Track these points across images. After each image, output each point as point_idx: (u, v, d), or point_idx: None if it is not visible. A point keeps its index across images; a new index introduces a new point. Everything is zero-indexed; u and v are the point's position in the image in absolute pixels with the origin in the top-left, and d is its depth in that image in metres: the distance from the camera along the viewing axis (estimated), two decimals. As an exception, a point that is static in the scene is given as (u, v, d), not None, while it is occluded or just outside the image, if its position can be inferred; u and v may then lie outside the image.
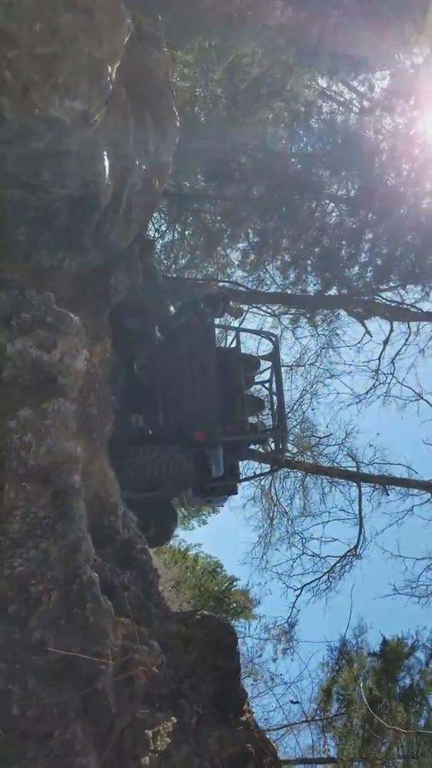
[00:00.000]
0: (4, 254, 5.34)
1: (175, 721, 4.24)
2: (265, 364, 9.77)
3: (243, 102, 12.75)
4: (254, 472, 13.73)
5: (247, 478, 11.79)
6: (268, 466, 12.83)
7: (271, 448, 10.36)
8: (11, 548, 4.59)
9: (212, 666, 5.45)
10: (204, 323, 8.03)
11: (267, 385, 9.77)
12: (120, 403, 6.79)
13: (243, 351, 9.19)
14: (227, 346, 9.86)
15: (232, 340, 9.31)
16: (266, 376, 9.77)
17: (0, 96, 4.17)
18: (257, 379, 10.05)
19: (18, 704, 4.00)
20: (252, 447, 10.21)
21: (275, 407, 9.26)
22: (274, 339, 9.75)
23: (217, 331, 9.00)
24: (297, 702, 10.15)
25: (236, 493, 10.32)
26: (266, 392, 10.01)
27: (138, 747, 4.01)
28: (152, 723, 4.18)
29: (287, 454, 15.51)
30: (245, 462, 12.82)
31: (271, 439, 9.87)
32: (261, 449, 10.93)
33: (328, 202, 15.20)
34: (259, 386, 10.48)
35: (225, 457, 8.15)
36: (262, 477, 14.22)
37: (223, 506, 12.19)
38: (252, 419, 10.12)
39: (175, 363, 7.61)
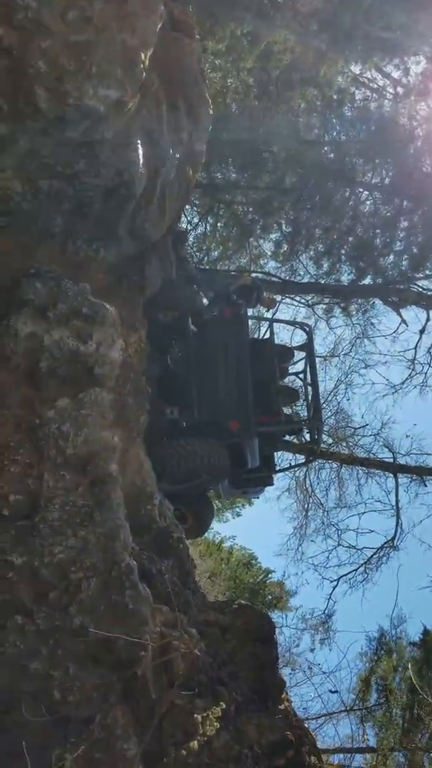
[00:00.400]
0: (41, 245, 5.39)
1: (224, 706, 4.24)
2: (300, 355, 9.72)
3: (275, 90, 12.66)
4: (289, 464, 13.66)
5: (283, 469, 11.74)
6: (304, 457, 12.76)
7: (306, 439, 10.30)
8: (51, 536, 4.65)
9: (250, 654, 5.45)
10: (237, 315, 8.07)
11: (301, 375, 9.70)
12: (154, 395, 6.85)
13: (277, 342, 9.11)
14: (261, 337, 9.80)
15: (266, 331, 9.36)
16: (301, 366, 9.72)
17: (34, 86, 4.19)
18: (292, 369, 9.99)
19: (59, 689, 4.05)
20: (287, 438, 10.15)
21: (310, 398, 9.21)
22: (308, 329, 9.75)
23: (250, 322, 8.95)
24: (336, 691, 10.11)
25: (272, 485, 10.31)
26: (301, 383, 9.94)
27: (178, 733, 4.02)
28: (191, 709, 4.18)
29: (322, 445, 15.45)
30: (280, 453, 12.79)
31: (306, 430, 9.80)
32: (296, 440, 10.85)
33: (362, 190, 15.02)
34: (293, 377, 10.41)
35: (260, 447, 8.16)
36: (297, 468, 14.14)
37: (258, 498, 12.16)
38: (287, 410, 10.08)
39: (209, 355, 7.67)
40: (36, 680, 4.09)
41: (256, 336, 10.30)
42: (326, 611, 14.84)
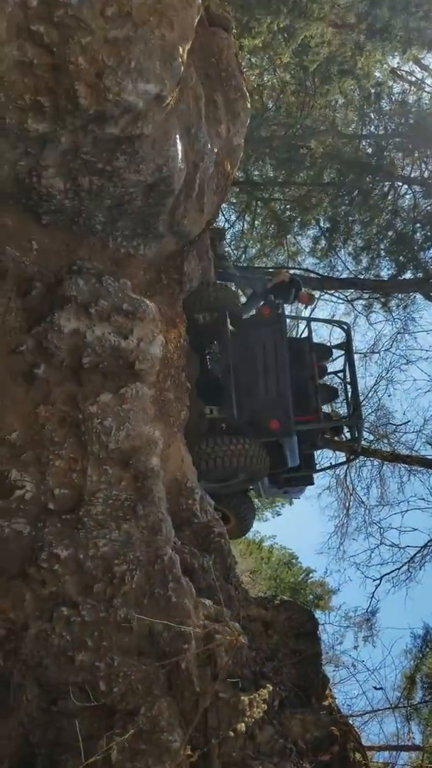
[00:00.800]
0: (82, 242, 5.45)
1: (270, 689, 4.23)
2: (339, 353, 9.65)
3: (312, 85, 12.57)
4: (330, 463, 13.55)
5: (323, 468, 11.64)
6: (344, 456, 12.64)
7: (346, 438, 10.21)
8: (95, 529, 4.70)
9: (294, 650, 5.42)
10: (275, 314, 8.03)
11: (341, 374, 9.64)
12: (194, 396, 6.88)
13: (315, 340, 9.09)
14: (299, 335, 9.77)
15: (304, 330, 9.31)
16: (340, 365, 9.65)
17: (75, 82, 4.23)
18: (331, 368, 9.93)
19: (105, 680, 4.09)
20: (327, 437, 10.08)
21: (349, 396, 9.15)
22: (346, 327, 9.67)
23: (289, 321, 8.93)
24: (380, 688, 9.98)
25: (312, 484, 10.25)
26: (340, 381, 9.87)
27: (222, 725, 4.02)
28: (236, 702, 4.18)
29: (363, 442, 15.29)
30: (321, 452, 12.70)
31: (347, 429, 9.73)
32: (336, 439, 10.74)
33: (401, 184, 14.84)
34: (332, 375, 10.35)
35: (300, 446, 8.14)
36: (338, 467, 14.01)
37: (299, 498, 12.11)
38: (327, 408, 10.00)
39: (247, 355, 7.70)
40: (82, 671, 4.14)
41: (294, 335, 10.20)
42: (369, 609, 14.71)
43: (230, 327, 7.79)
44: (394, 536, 15.40)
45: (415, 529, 15.08)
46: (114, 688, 4.08)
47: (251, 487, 9.13)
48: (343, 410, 11.65)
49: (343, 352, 9.50)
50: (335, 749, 4.47)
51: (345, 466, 14.42)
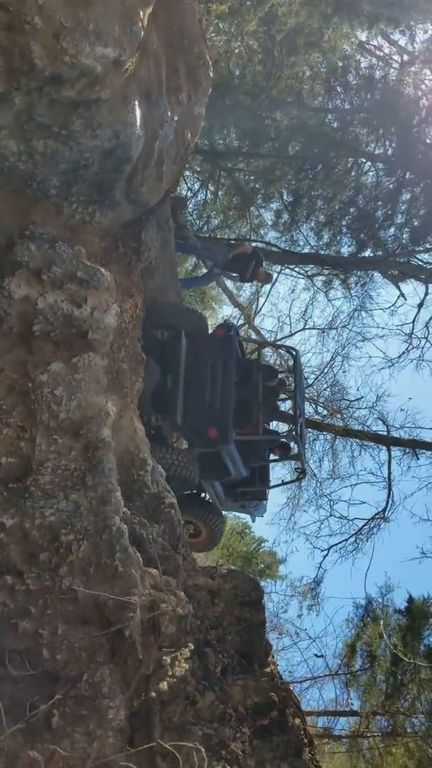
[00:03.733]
0: (35, 207, 5.33)
1: (192, 647, 4.31)
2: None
3: (279, 55, 12.40)
4: (282, 480, 13.77)
5: (276, 485, 12.05)
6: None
7: (293, 456, 10.57)
8: (43, 498, 4.68)
9: (238, 618, 5.53)
10: (228, 335, 8.73)
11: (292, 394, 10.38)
12: (144, 404, 7.27)
13: (264, 363, 10.29)
14: (249, 356, 10.47)
15: (254, 352, 10.41)
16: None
17: (30, 42, 4.10)
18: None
19: (48, 648, 4.11)
20: (276, 456, 10.65)
21: (296, 418, 9.69)
22: (294, 353, 10.45)
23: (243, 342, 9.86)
24: (321, 656, 10.33)
25: (265, 499, 10.81)
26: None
27: (164, 693, 4.10)
28: (177, 670, 4.25)
29: (317, 416, 15.53)
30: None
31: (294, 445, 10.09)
32: (284, 458, 11.03)
33: (364, 160, 14.82)
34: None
35: (247, 460, 8.94)
36: (289, 484, 14.35)
37: (262, 516, 12.45)
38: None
39: (198, 370, 8.30)
40: (25, 639, 4.15)
41: (246, 356, 10.62)
42: (315, 579, 15.10)
43: (185, 343, 8.36)
44: (344, 509, 15.71)
45: (364, 503, 15.49)
46: (57, 655, 4.10)
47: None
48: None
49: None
50: (274, 715, 4.60)
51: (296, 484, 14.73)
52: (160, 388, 8.12)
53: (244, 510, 11.03)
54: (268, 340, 15.86)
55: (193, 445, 8.47)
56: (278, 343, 14.84)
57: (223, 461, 8.47)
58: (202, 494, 9.93)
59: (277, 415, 10.68)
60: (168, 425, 8.09)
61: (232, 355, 8.48)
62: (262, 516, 12.43)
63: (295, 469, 10.77)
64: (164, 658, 4.13)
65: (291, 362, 10.62)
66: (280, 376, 10.74)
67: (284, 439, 10.00)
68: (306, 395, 14.90)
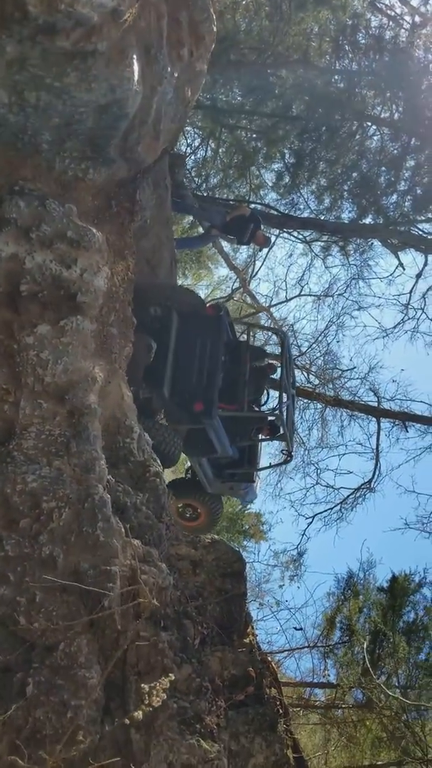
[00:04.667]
0: (26, 162, 5.12)
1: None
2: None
3: (287, 10, 11.94)
4: (269, 463, 13.81)
5: (264, 468, 12.19)
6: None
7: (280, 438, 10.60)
8: (25, 464, 4.60)
9: (219, 589, 5.52)
10: (218, 315, 8.96)
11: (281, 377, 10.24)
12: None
13: (254, 343, 10.49)
14: (239, 336, 10.63)
15: (243, 332, 10.61)
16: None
17: (23, -14, 3.87)
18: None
19: (25, 615, 4.08)
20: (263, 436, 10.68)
21: (281, 402, 9.74)
22: (282, 336, 10.58)
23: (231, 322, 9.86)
24: (300, 629, 10.49)
25: (252, 482, 10.91)
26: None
27: (141, 664, 4.09)
28: (155, 642, 4.24)
29: (309, 386, 15.48)
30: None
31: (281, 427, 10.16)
32: (271, 438, 10.99)
33: (370, 124, 14.44)
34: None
35: (234, 439, 9.19)
36: (276, 467, 14.51)
37: (252, 502, 12.47)
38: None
39: (187, 347, 8.52)
40: (2, 605, 4.11)
41: (236, 336, 10.61)
42: (299, 547, 15.27)
43: (177, 320, 8.56)
44: (330, 477, 15.82)
45: (351, 472, 15.60)
46: (34, 623, 4.07)
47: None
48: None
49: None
50: (251, 690, 4.61)
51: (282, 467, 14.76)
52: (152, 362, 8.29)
53: (233, 493, 11.24)
54: (263, 308, 15.72)
55: (179, 421, 8.67)
56: (269, 325, 14.71)
57: (208, 438, 8.69)
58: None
59: (261, 393, 10.79)
60: (155, 397, 8.26)
61: (221, 335, 8.77)
62: (252, 501, 12.53)
63: (281, 451, 10.74)
64: (142, 633, 4.10)
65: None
66: (269, 361, 10.90)
67: (272, 418, 10.10)
68: (297, 365, 14.86)
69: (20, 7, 3.93)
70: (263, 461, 11.75)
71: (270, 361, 10.91)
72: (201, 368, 8.47)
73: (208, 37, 6.17)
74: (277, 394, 9.86)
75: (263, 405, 10.86)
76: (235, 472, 10.30)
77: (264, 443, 11.29)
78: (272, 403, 11.01)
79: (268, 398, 11.05)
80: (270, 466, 13.38)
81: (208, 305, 9.52)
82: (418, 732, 8.48)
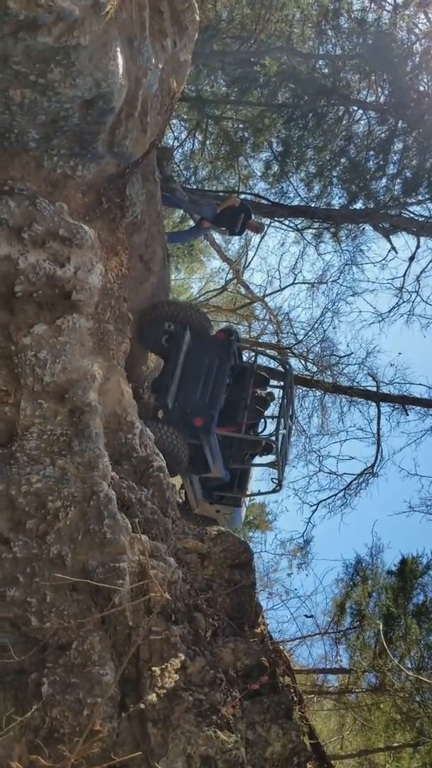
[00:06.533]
0: (14, 161, 5.07)
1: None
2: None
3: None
4: (258, 490, 13.71)
5: (253, 494, 12.20)
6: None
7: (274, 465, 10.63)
8: (29, 465, 4.59)
9: (228, 580, 5.53)
10: (228, 339, 9.28)
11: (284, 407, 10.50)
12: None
13: (260, 370, 10.56)
14: (246, 362, 10.75)
15: (251, 357, 10.80)
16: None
17: (3, -18, 3.82)
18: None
19: (37, 616, 4.08)
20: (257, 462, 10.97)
21: (279, 427, 9.98)
22: (288, 366, 11.02)
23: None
24: (311, 616, 10.53)
25: (239, 506, 11.22)
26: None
27: (154, 659, 4.09)
28: (167, 636, 4.24)
29: (307, 373, 15.47)
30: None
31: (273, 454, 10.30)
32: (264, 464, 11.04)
33: (356, 108, 14.35)
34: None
35: (227, 461, 9.46)
36: (266, 494, 14.29)
37: (236, 527, 12.36)
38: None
39: (195, 364, 8.85)
40: (14, 607, 4.11)
41: (243, 359, 10.71)
42: (305, 535, 15.29)
43: (188, 337, 8.89)
44: (333, 464, 15.83)
45: (353, 458, 15.62)
46: (46, 623, 4.07)
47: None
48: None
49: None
50: (265, 679, 4.62)
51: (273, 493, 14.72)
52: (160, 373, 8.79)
53: (218, 515, 11.21)
54: (257, 297, 15.68)
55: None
56: (275, 354, 14.62)
57: (204, 455, 8.94)
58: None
59: (259, 418, 10.94)
60: (159, 406, 8.61)
61: (228, 358, 9.09)
62: (236, 527, 12.45)
63: (272, 479, 10.78)
64: (153, 628, 4.10)
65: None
66: (270, 390, 11.12)
67: (269, 441, 10.28)
68: (294, 354, 14.86)
69: (1, 3, 3.88)
70: (252, 488, 11.79)
71: (271, 391, 11.15)
72: (206, 386, 8.78)
73: (191, 26, 6.11)
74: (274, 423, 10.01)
75: (260, 433, 10.99)
76: (224, 495, 10.53)
77: (256, 469, 11.43)
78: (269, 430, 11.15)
79: (265, 427, 11.22)
80: (258, 493, 13.29)
81: (219, 330, 9.80)
82: (432, 712, 8.52)
